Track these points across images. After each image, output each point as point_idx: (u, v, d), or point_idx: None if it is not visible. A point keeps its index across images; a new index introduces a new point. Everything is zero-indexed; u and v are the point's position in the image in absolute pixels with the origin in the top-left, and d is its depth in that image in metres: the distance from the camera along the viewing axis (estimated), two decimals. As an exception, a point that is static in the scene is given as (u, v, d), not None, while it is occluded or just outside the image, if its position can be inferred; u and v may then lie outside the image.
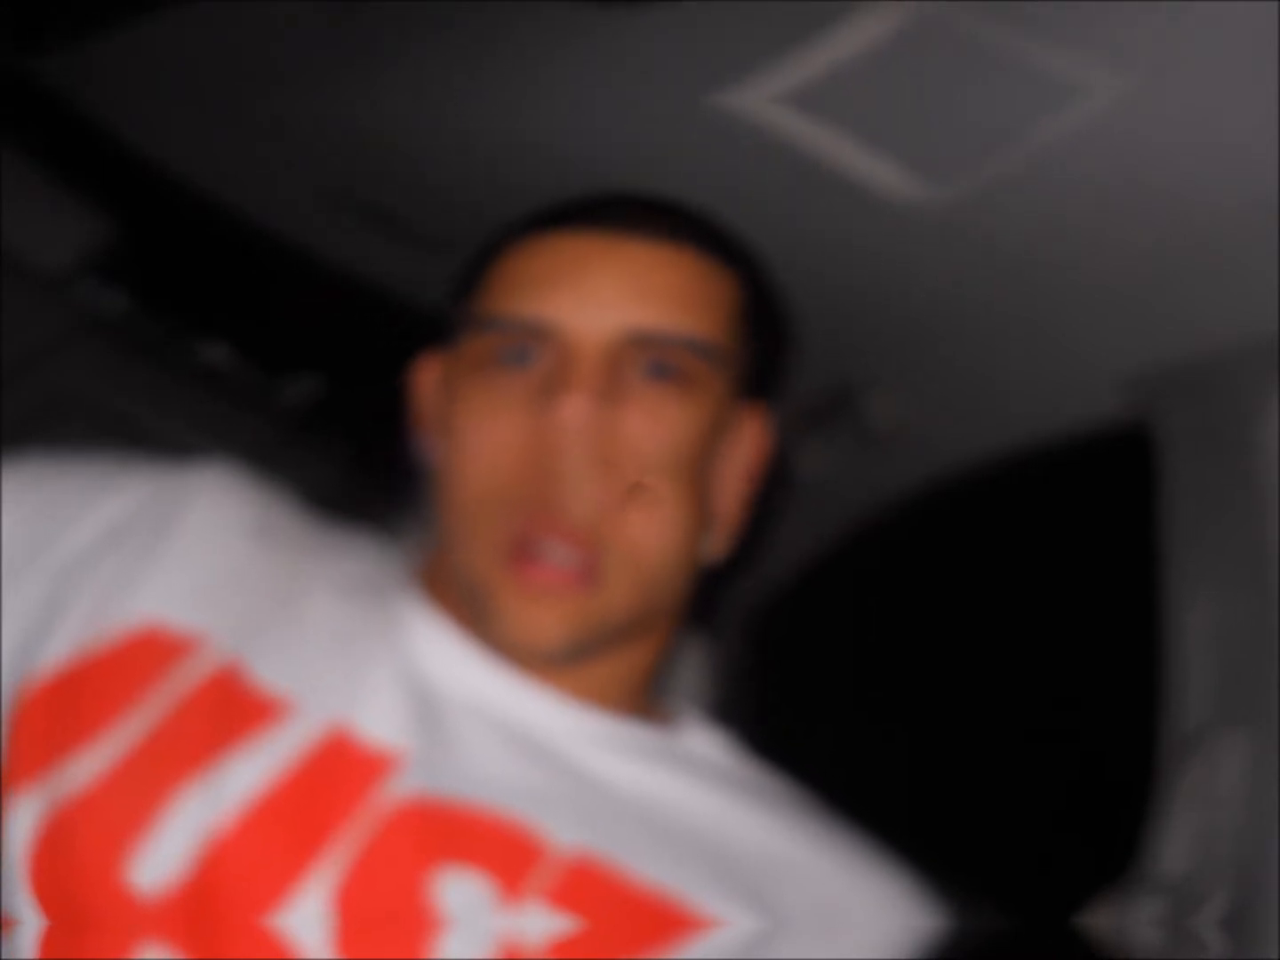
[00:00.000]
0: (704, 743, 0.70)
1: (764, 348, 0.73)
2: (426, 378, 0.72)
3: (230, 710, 0.59)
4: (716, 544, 0.71)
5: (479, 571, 0.63)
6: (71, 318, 1.93)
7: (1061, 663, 1.37)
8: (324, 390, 2.17)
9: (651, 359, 0.64)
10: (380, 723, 0.60)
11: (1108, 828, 0.91)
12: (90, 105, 1.55)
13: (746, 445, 0.72)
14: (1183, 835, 0.82)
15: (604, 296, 0.64)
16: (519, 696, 0.64)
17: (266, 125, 1.32)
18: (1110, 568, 1.08)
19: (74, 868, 0.54)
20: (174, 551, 0.63)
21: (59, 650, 0.60)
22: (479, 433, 0.64)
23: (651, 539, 0.64)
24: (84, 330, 1.93)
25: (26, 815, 0.55)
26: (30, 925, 0.54)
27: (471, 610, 0.65)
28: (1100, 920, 0.85)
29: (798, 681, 1.55)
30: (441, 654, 0.65)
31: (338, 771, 0.58)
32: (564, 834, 0.59)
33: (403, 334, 0.83)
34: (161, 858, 0.54)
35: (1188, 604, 0.92)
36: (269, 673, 0.60)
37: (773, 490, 0.78)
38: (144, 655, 0.60)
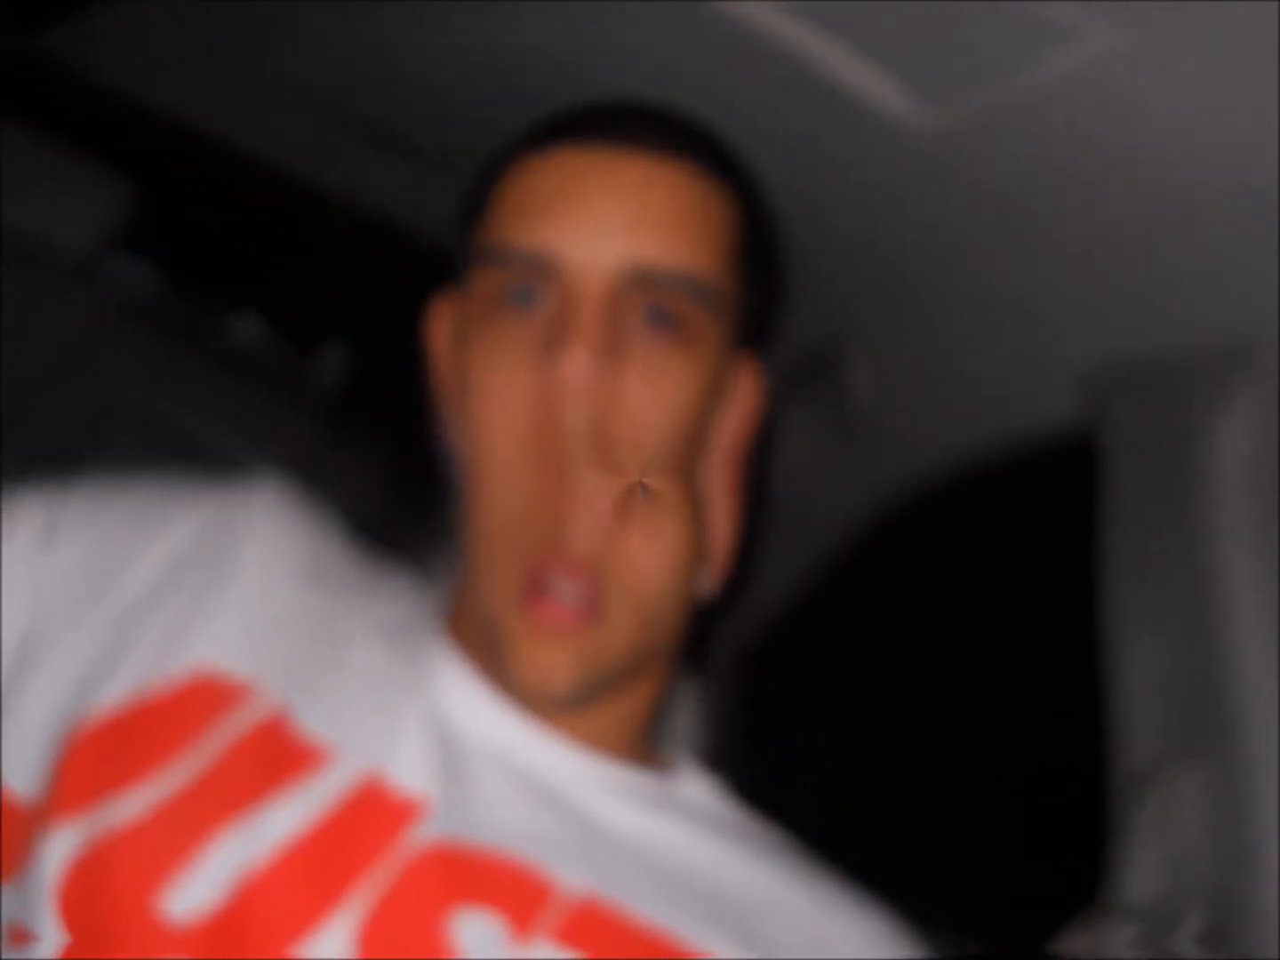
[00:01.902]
0: (697, 789, 0.72)
1: (760, 281, 0.74)
2: (440, 326, 0.74)
3: (275, 758, 0.60)
4: (712, 575, 0.73)
5: (496, 609, 0.66)
6: (104, 307, 1.95)
7: (1042, 688, 1.38)
8: (353, 360, 2.20)
9: (651, 304, 0.66)
10: (409, 771, 0.62)
11: (1081, 859, 0.92)
12: (87, 66, 1.58)
13: (741, 404, 0.74)
14: (1149, 865, 0.83)
15: (604, 223, 0.65)
16: (533, 745, 0.67)
17: (266, 56, 1.33)
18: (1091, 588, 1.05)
19: (108, 893, 0.56)
20: (230, 593, 0.65)
21: (116, 692, 0.61)
22: (491, 410, 0.65)
23: (652, 562, 0.66)
24: (118, 320, 1.95)
25: (64, 843, 0.57)
26: (49, 941, 0.55)
27: (489, 652, 0.67)
28: (1076, 946, 0.86)
29: (782, 722, 1.56)
30: (465, 703, 0.67)
31: (369, 817, 0.60)
32: (571, 876, 0.61)
33: (422, 277, 0.84)
34: (196, 889, 0.56)
35: (1130, 636, 0.90)
36: (312, 722, 0.63)
37: (761, 483, 0.81)
38: (198, 701, 0.62)
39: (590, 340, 0.63)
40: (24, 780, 0.60)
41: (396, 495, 1.88)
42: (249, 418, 1.94)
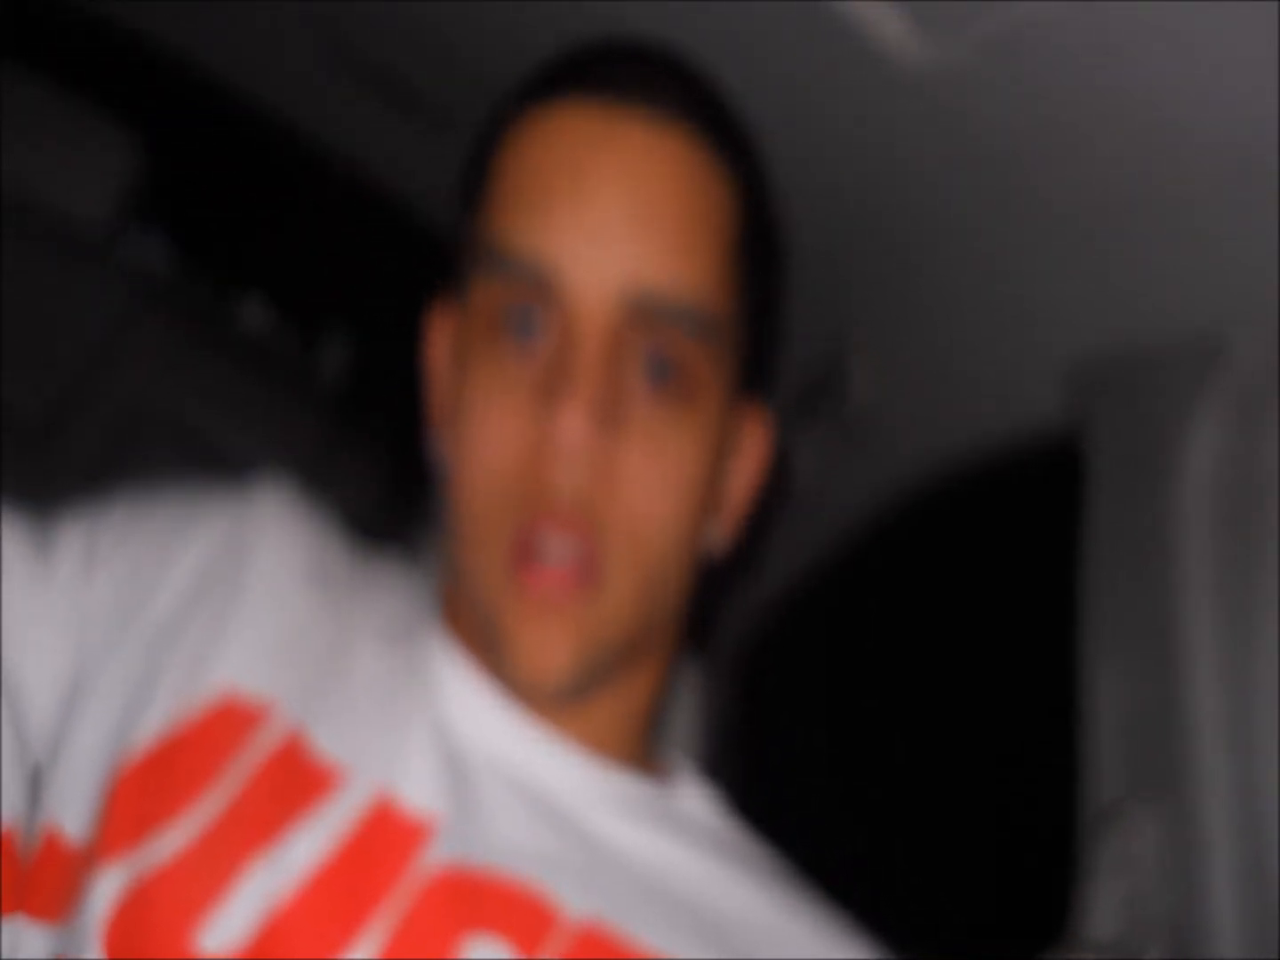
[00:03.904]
0: (696, 802, 0.73)
1: (762, 277, 0.72)
2: (439, 340, 0.73)
3: (293, 783, 0.61)
4: (723, 529, 0.72)
5: (487, 588, 0.64)
6: (126, 291, 1.97)
7: (1041, 695, 1.30)
8: (356, 355, 2.24)
9: (652, 350, 0.64)
10: (418, 790, 0.62)
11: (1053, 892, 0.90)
12: (95, 9, 1.58)
13: (749, 456, 0.74)
14: (1109, 903, 0.83)
15: (605, 227, 0.63)
16: (535, 754, 0.67)
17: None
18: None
19: (149, 931, 0.57)
20: (245, 610, 0.66)
21: (153, 724, 0.62)
22: (483, 442, 0.65)
23: (654, 507, 0.64)
24: (140, 305, 1.96)
25: (111, 884, 0.58)
26: None
27: (485, 645, 0.66)
28: (1044, 977, 0.87)
29: (778, 719, 1.56)
30: (467, 709, 0.67)
31: (383, 841, 0.60)
32: (575, 900, 0.62)
33: (425, 269, 0.84)
34: (228, 925, 0.57)
35: (1101, 665, 0.87)
36: (325, 741, 0.63)
37: (771, 500, 0.78)
38: (223, 727, 0.62)
39: (588, 398, 0.61)
40: (74, 822, 0.61)
41: (394, 494, 1.91)
42: (256, 412, 1.97)
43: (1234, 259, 0.81)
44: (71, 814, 0.61)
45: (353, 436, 2.01)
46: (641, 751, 0.74)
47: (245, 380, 1.98)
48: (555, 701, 0.67)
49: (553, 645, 0.63)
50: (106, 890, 0.58)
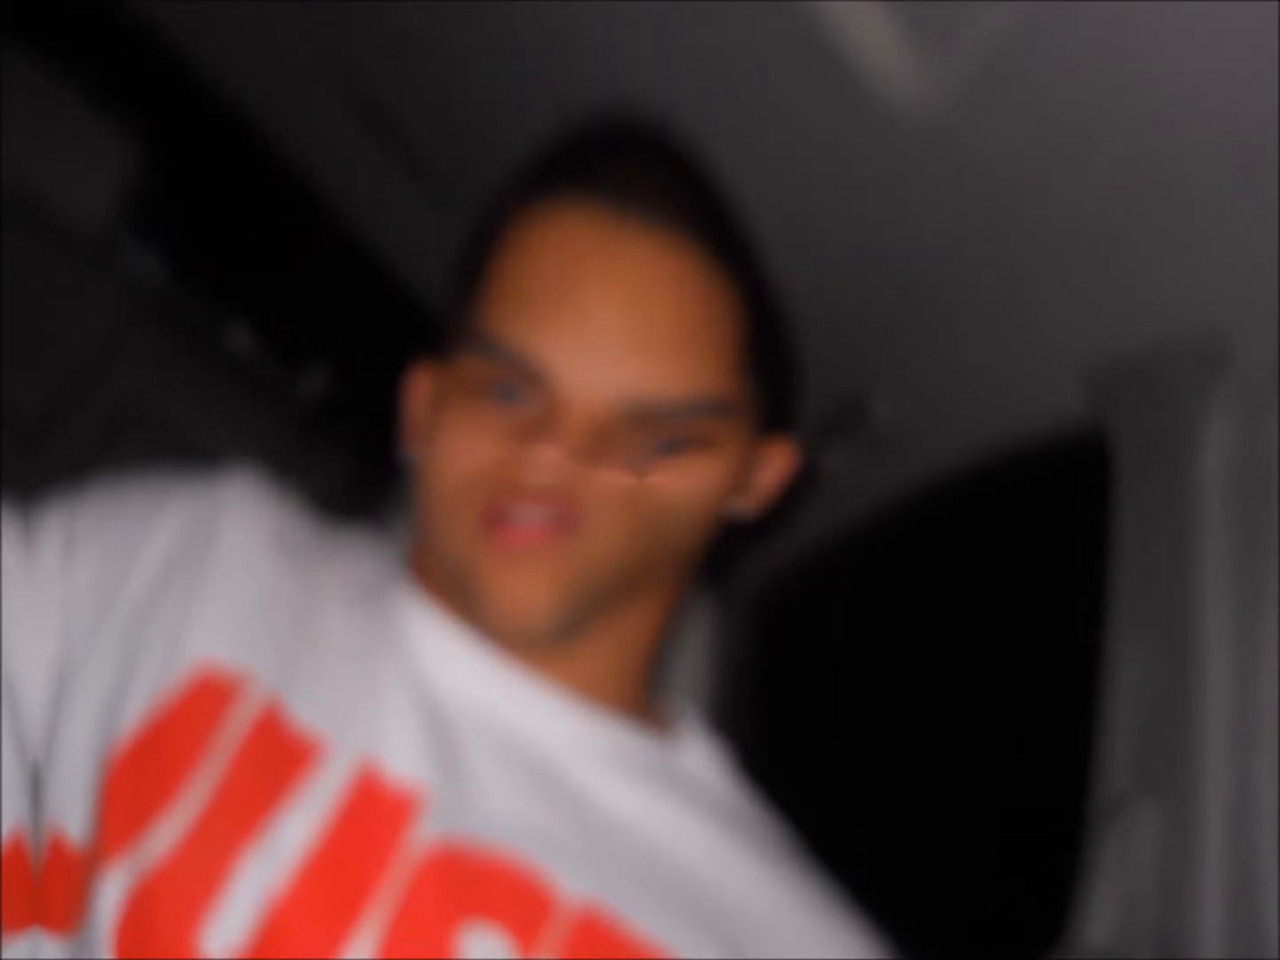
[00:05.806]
0: (700, 761, 0.70)
1: (774, 379, 0.72)
2: (420, 390, 0.72)
3: (276, 758, 0.59)
4: (751, 501, 0.71)
5: (460, 551, 0.63)
6: (122, 296, 2.04)
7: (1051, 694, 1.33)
8: (333, 384, 2.33)
9: (660, 439, 0.63)
10: (401, 756, 0.60)
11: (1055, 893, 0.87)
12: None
13: (773, 472, 0.73)
14: (1107, 904, 0.81)
15: (602, 343, 0.62)
16: (520, 704, 0.65)
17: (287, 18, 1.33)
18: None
19: (154, 936, 0.55)
20: (214, 583, 0.64)
21: (135, 709, 0.60)
22: (457, 447, 0.64)
23: (666, 479, 0.63)
24: (134, 312, 2.04)
25: (116, 886, 0.56)
26: None
27: (461, 596, 0.65)
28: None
29: (788, 677, 1.54)
30: (445, 661, 0.65)
31: (370, 817, 0.58)
32: (572, 881, 0.60)
33: (407, 323, 0.82)
34: (227, 925, 0.55)
35: (1120, 659, 0.87)
36: (302, 710, 0.61)
37: (800, 488, 0.79)
38: (202, 702, 0.60)
39: (570, 446, 0.60)
40: (75, 822, 0.59)
41: (361, 497, 1.95)
42: (238, 421, 2.04)
43: (1235, 261, 0.81)
44: (72, 813, 0.60)
45: (325, 448, 2.11)
46: (640, 696, 0.71)
47: (228, 392, 2.08)
48: (539, 645, 0.64)
49: (530, 586, 0.61)
50: (111, 894, 0.57)
